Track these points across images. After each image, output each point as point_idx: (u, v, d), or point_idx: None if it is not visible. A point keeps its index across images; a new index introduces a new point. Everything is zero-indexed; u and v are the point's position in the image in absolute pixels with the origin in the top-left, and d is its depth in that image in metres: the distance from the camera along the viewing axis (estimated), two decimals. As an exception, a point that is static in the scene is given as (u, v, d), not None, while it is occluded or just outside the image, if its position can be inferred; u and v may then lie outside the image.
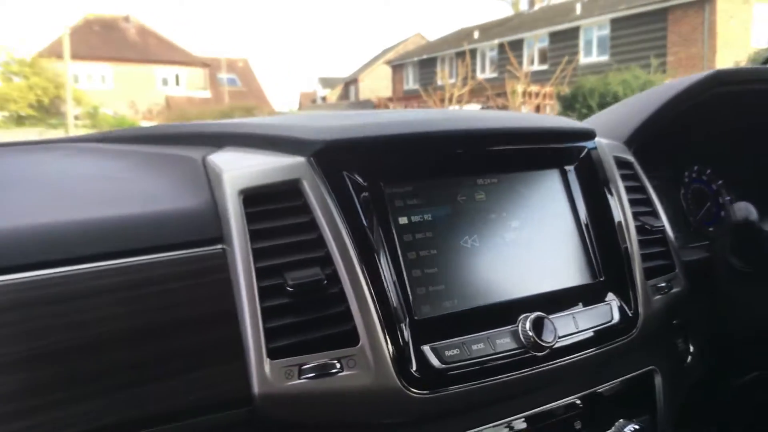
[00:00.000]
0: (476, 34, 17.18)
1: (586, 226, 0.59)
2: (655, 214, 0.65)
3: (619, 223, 0.60)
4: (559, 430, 0.56)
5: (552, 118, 0.71)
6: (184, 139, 0.63)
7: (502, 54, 15.18)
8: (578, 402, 0.57)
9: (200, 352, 0.44)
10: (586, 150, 0.61)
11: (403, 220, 0.51)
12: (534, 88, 8.50)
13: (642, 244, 0.62)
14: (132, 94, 17.82)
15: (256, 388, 0.44)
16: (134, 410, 0.41)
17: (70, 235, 0.43)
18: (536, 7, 18.55)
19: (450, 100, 8.51)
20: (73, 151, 0.72)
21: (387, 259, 0.48)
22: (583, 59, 14.44)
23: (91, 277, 0.42)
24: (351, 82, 22.35)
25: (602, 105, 7.71)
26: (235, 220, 0.46)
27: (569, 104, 7.94)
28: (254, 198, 0.47)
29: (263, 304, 0.45)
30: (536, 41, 15.21)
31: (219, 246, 0.46)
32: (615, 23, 14.29)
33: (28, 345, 0.39)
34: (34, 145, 0.75)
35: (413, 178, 0.53)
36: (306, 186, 0.48)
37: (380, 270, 0.48)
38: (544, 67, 14.60)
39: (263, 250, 0.46)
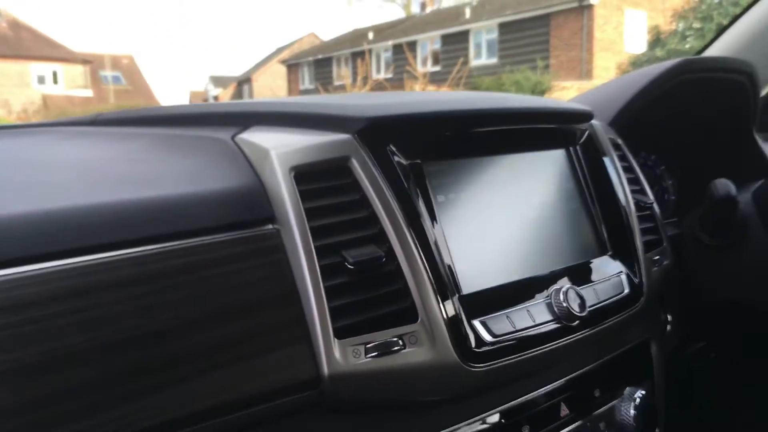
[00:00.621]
0: (371, 35, 17.38)
1: (593, 203, 0.62)
2: (644, 192, 0.70)
3: (621, 200, 0.64)
4: (581, 397, 0.58)
5: (556, 100, 0.73)
6: (199, 120, 0.60)
7: (397, 55, 15.46)
8: (597, 370, 0.60)
9: (266, 335, 0.42)
10: (587, 131, 0.65)
11: (441, 198, 0.51)
12: (432, 89, 8.71)
13: (638, 219, 0.65)
14: (4, 93, 16.39)
15: (325, 369, 0.42)
16: (204, 400, 0.39)
17: (118, 217, 0.39)
18: (428, 10, 19.05)
19: (351, 100, 8.50)
20: (71, 135, 0.65)
21: (434, 236, 0.48)
22: (473, 61, 15.01)
23: (145, 261, 0.39)
24: (244, 81, 21.86)
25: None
26: (290, 198, 0.44)
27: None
28: (306, 176, 0.46)
29: (326, 283, 0.43)
30: (431, 43, 15.62)
31: (271, 226, 0.44)
32: (502, 27, 14.97)
33: (92, 334, 0.36)
34: (19, 129, 0.68)
35: (448, 156, 0.53)
36: (355, 163, 0.47)
37: (431, 246, 0.48)
38: (438, 68, 15.02)
39: (320, 228, 0.44)
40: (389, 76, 13.50)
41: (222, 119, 0.57)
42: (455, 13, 16.66)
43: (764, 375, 1.10)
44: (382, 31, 17.80)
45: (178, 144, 0.56)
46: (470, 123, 0.54)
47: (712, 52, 1.11)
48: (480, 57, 15.51)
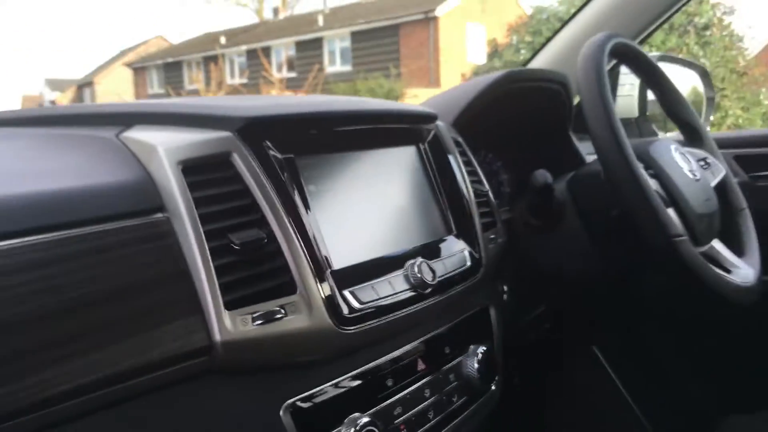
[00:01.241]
0: (223, 40, 16.98)
1: (440, 191, 0.74)
2: (481, 182, 0.82)
3: (462, 188, 0.75)
4: (434, 354, 0.69)
5: (408, 105, 0.84)
6: (81, 120, 0.62)
7: (252, 60, 15.23)
8: (446, 332, 0.71)
9: (162, 310, 0.47)
10: (433, 131, 0.76)
11: (312, 188, 0.59)
12: (288, 94, 8.73)
13: (476, 205, 0.78)
14: None
15: (217, 337, 0.48)
16: (107, 368, 0.43)
17: (17, 207, 0.43)
18: (281, 16, 18.99)
19: (206, 105, 8.29)
20: None
21: (308, 220, 0.56)
22: (329, 68, 15.21)
23: (46, 247, 0.43)
24: (85, 85, 20.37)
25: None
26: (179, 189, 0.50)
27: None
28: (192, 169, 0.51)
29: (216, 263, 0.49)
30: (285, 49, 15.59)
31: (161, 214, 0.50)
32: (355, 36, 15.33)
33: None
34: None
35: (317, 151, 0.61)
36: (236, 157, 0.54)
37: (306, 229, 0.55)
38: (294, 74, 15.04)
39: (208, 214, 0.50)
40: (244, 81, 13.30)
41: (104, 119, 0.60)
42: (308, 20, 16.78)
43: (582, 340, 1.30)
44: (235, 35, 17.46)
45: (64, 142, 0.58)
46: (334, 123, 0.63)
47: (535, 63, 1.29)
48: (335, 64, 15.76)
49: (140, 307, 0.46)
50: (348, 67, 15.16)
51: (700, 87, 1.48)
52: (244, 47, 16.17)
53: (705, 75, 1.49)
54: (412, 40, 14.49)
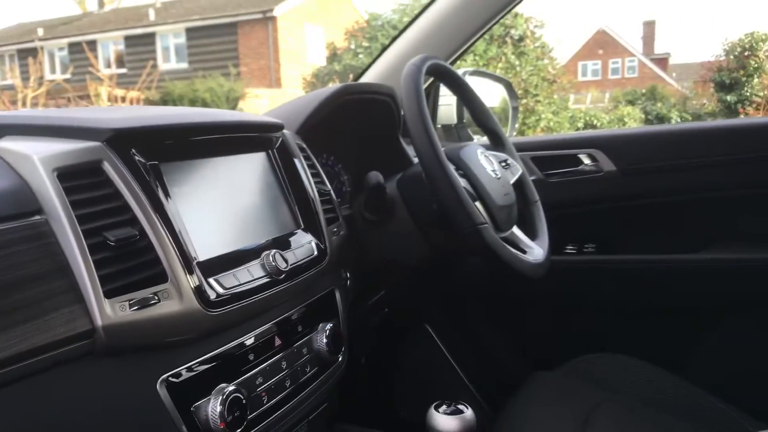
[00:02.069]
0: (40, 31, 15.51)
1: (289, 191, 0.85)
2: (323, 182, 0.94)
3: (308, 188, 0.87)
4: (289, 331, 0.80)
5: (257, 116, 0.93)
6: None
7: (75, 54, 14.11)
8: (298, 312, 0.82)
9: (47, 301, 0.53)
10: (280, 138, 0.86)
11: (176, 189, 0.67)
12: (120, 92, 8.27)
13: (320, 203, 0.90)
14: None
15: (99, 322, 0.55)
16: None
17: None
18: (106, 8, 17.74)
19: (24, 102, 7.61)
20: None
21: (174, 218, 0.64)
22: (163, 65, 14.52)
23: None
24: None
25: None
26: (55, 193, 0.56)
27: (159, 109, 8.08)
28: (67, 175, 0.57)
29: (94, 257, 0.56)
30: (114, 44, 14.62)
31: (39, 216, 0.55)
32: (190, 32, 14.80)
33: None
34: None
35: (179, 158, 0.69)
36: (107, 164, 0.61)
37: (173, 226, 0.63)
38: (124, 70, 14.17)
39: (84, 215, 0.57)
40: (67, 77, 12.28)
41: None
42: (138, 14, 15.88)
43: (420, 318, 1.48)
44: (54, 27, 16.02)
45: None
46: (192, 133, 0.71)
47: (369, 74, 1.45)
48: (169, 61, 15.09)
49: (26, 298, 0.52)
50: (184, 65, 14.61)
51: (507, 98, 1.74)
52: (65, 40, 14.92)
53: (509, 87, 1.75)
54: (252, 39, 14.32)
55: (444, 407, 0.73)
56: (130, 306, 0.58)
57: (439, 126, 1.63)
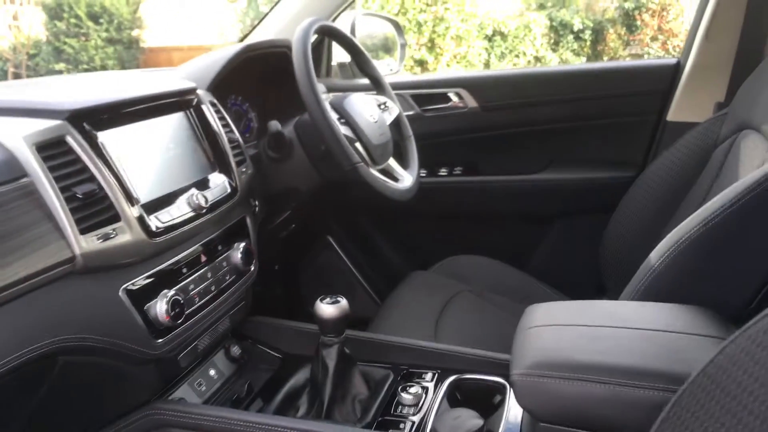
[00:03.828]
0: None
1: (205, 141, 1.08)
2: (232, 131, 1.17)
3: (220, 138, 1.11)
4: (212, 251, 1.06)
5: (175, 81, 1.13)
6: None
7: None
8: (219, 235, 1.08)
9: (39, 240, 0.76)
10: (195, 98, 1.09)
11: (120, 150, 0.90)
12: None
13: (230, 148, 1.14)
14: None
15: (77, 251, 0.79)
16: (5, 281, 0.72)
17: None
18: None
19: None
20: None
21: (121, 173, 0.88)
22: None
23: None
24: None
25: (91, 15, 7.65)
26: (36, 162, 0.78)
27: (56, 14, 7.61)
28: (42, 147, 0.79)
29: (69, 207, 0.79)
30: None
31: (26, 179, 0.78)
32: None
33: None
34: None
35: (121, 124, 0.91)
36: (69, 137, 0.83)
37: (121, 179, 0.87)
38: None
39: (58, 176, 0.79)
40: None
41: None
42: None
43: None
44: None
45: None
46: (127, 105, 0.93)
47: (261, 30, 1.64)
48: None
49: (24, 239, 0.75)
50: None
51: (396, 36, 1.97)
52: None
53: (398, 26, 1.98)
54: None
55: (327, 299, 1.03)
56: (97, 239, 0.82)
57: (335, 64, 1.86)
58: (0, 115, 0.83)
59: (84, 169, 0.83)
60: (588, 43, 8.29)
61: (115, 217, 0.85)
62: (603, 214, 1.50)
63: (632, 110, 1.62)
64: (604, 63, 4.47)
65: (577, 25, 8.46)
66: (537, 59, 8.43)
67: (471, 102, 1.67)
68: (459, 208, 1.80)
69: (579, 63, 7.85)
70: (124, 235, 0.86)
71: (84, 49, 8.00)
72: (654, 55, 7.83)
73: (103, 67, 7.98)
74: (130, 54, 8.29)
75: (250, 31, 1.68)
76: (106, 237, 0.83)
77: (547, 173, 1.70)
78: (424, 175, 1.74)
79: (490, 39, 8.39)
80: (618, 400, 0.75)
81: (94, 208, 0.83)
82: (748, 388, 0.47)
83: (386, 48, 2.03)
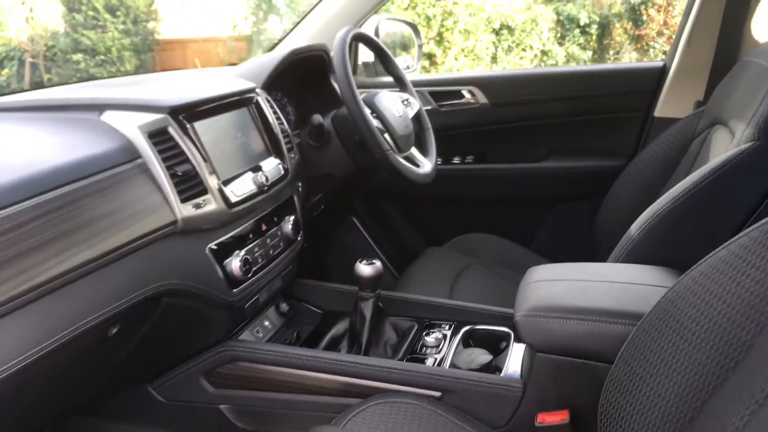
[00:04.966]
0: None
1: (263, 132, 1.31)
2: (284, 123, 1.40)
3: (274, 129, 1.33)
4: (270, 222, 1.29)
5: (236, 82, 1.33)
6: (61, 108, 1.06)
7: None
8: (273, 210, 1.31)
9: (151, 206, 0.99)
10: (255, 96, 1.31)
11: (206, 138, 1.13)
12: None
13: (282, 137, 1.36)
14: None
15: (178, 216, 1.02)
16: (127, 237, 0.95)
17: (64, 168, 0.91)
18: None
19: None
20: None
21: (208, 155, 1.10)
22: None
23: (78, 188, 0.91)
24: None
25: (108, 7, 7.88)
26: (148, 146, 1.01)
27: (73, 6, 7.85)
28: (152, 135, 1.02)
29: (173, 181, 1.02)
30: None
31: (140, 160, 1.01)
32: None
33: (49, 233, 0.90)
34: None
35: (206, 117, 1.14)
36: (170, 128, 1.05)
37: (209, 160, 1.10)
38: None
39: (164, 158, 1.02)
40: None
41: (81, 107, 1.05)
42: None
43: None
44: None
45: (70, 123, 1.03)
46: (210, 102, 1.16)
47: (298, 35, 1.87)
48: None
49: (142, 206, 0.98)
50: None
51: (414, 37, 2.20)
52: None
53: (415, 29, 2.20)
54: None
55: (365, 261, 1.26)
56: (192, 207, 1.05)
57: (360, 63, 2.09)
58: (115, 109, 1.06)
59: (181, 152, 1.06)
60: (594, 37, 8.44)
61: (204, 191, 1.08)
62: (597, 198, 1.72)
63: (624, 107, 1.84)
64: (600, 65, 4.71)
65: (584, 20, 8.60)
66: (543, 53, 8.58)
67: (482, 98, 1.90)
68: (470, 192, 2.03)
69: (577, 65, 8.02)
70: (211, 205, 1.09)
71: (101, 41, 8.23)
72: (659, 49, 8.00)
73: (120, 59, 8.22)
74: (145, 46, 8.51)
75: (286, 35, 1.90)
76: (198, 206, 1.06)
77: (548, 162, 1.92)
78: (439, 163, 1.97)
79: (497, 33, 8.55)
80: (597, 333, 0.98)
81: (190, 183, 1.06)
82: (690, 314, 0.70)
83: (403, 46, 2.26)
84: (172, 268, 1.04)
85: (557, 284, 1.08)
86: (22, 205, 0.79)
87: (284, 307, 1.43)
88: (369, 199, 2.09)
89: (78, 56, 8.18)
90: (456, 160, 1.99)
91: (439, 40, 8.16)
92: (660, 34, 8.16)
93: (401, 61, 2.14)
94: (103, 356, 1.06)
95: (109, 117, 1.03)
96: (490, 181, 1.99)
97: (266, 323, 1.38)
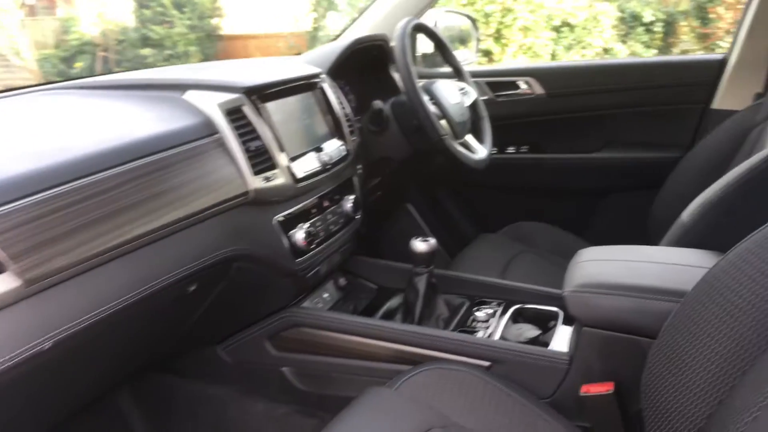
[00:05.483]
0: None
1: (327, 114, 1.39)
2: (345, 107, 1.48)
3: (338, 112, 1.41)
4: (331, 199, 1.37)
5: (308, 68, 1.44)
6: (147, 86, 1.17)
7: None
8: (335, 188, 1.39)
9: (226, 177, 1.08)
10: (320, 81, 1.40)
11: (278, 117, 1.22)
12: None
13: (345, 121, 1.44)
14: None
15: (251, 187, 1.12)
16: (205, 204, 1.05)
17: (153, 138, 1.01)
18: None
19: None
20: (83, 95, 1.15)
21: (277, 134, 1.19)
22: None
23: (161, 159, 1.01)
24: None
25: (175, 3, 8.18)
26: (226, 122, 1.10)
27: (143, 2, 8.19)
28: (228, 112, 1.12)
29: (247, 155, 1.11)
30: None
31: (218, 135, 1.10)
32: None
33: (139, 195, 1.00)
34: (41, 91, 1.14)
35: (276, 98, 1.23)
36: (244, 107, 1.15)
37: (278, 138, 1.19)
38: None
39: (239, 134, 1.11)
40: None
41: (165, 87, 1.16)
42: None
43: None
44: None
45: (157, 101, 1.13)
46: (280, 84, 1.25)
47: (357, 27, 1.94)
48: None
49: (219, 176, 1.07)
50: None
51: (471, 30, 2.25)
52: None
53: (473, 21, 2.25)
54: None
55: (420, 238, 1.33)
56: (262, 180, 1.14)
57: (420, 54, 2.15)
58: (196, 89, 1.16)
59: (254, 130, 1.15)
60: (659, 35, 8.23)
61: (273, 166, 1.17)
62: (651, 189, 1.74)
63: (681, 99, 1.84)
64: (658, 57, 4.62)
65: (648, 17, 8.40)
66: (605, 51, 8.44)
67: (538, 89, 1.93)
68: (524, 182, 2.07)
69: (635, 57, 7.85)
70: (279, 179, 1.17)
71: (168, 36, 8.57)
72: (725, 48, 7.76)
73: (186, 54, 8.54)
74: (210, 41, 8.81)
75: (347, 27, 1.99)
76: (267, 179, 1.15)
77: (603, 153, 1.94)
78: (494, 152, 2.02)
79: (557, 30, 8.44)
80: (641, 309, 1.01)
81: (261, 158, 1.15)
82: (733, 288, 0.73)
83: (461, 40, 2.31)
84: (243, 235, 1.13)
85: (605, 263, 1.12)
86: (117, 170, 0.90)
87: (342, 281, 1.52)
88: (425, 186, 2.15)
89: (146, 51, 8.55)
90: (511, 149, 2.03)
91: (497, 37, 8.12)
92: (728, 32, 7.90)
93: (460, 54, 2.19)
94: (181, 312, 1.16)
95: (191, 96, 1.13)
96: (545, 171, 2.02)
97: (325, 295, 1.47)
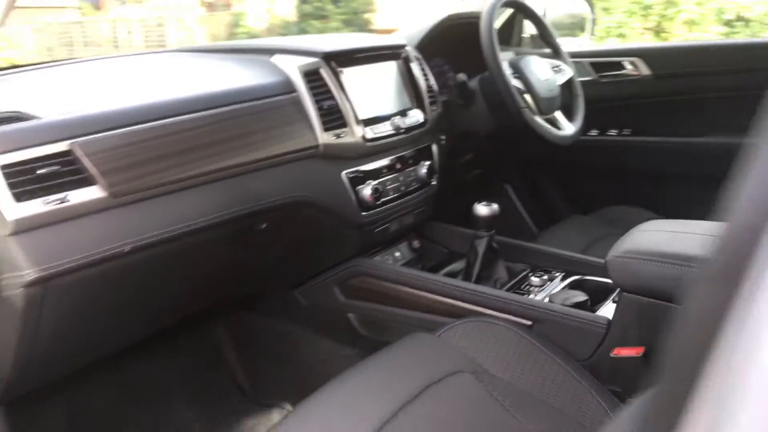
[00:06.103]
0: None
1: (408, 84, 1.49)
2: (429, 79, 1.56)
3: (420, 82, 1.50)
4: (405, 163, 1.47)
5: (392, 38, 1.55)
6: (249, 51, 1.35)
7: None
8: (410, 153, 1.49)
9: (300, 130, 1.23)
10: (404, 53, 1.49)
11: (351, 82, 1.33)
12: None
13: (426, 92, 1.53)
14: None
15: (320, 141, 1.24)
16: (279, 149, 1.19)
17: (237, 91, 1.17)
18: None
19: None
20: (196, 56, 1.37)
21: (351, 96, 1.31)
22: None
23: (243, 108, 1.17)
24: None
25: None
26: (303, 83, 1.24)
27: (304, -1, 8.75)
28: (306, 74, 1.25)
29: (320, 113, 1.24)
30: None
31: (295, 93, 1.24)
32: None
33: (215, 134, 1.15)
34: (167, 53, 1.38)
35: (356, 64, 1.35)
36: (321, 70, 1.28)
37: (349, 101, 1.30)
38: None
39: (313, 94, 1.25)
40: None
41: (256, 51, 1.33)
42: None
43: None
44: None
45: (248, 62, 1.31)
46: (360, 52, 1.37)
47: (466, 4, 2.00)
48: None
49: (293, 128, 1.21)
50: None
51: (589, 11, 2.21)
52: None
53: (589, 1, 2.21)
54: None
55: (484, 203, 1.38)
56: (332, 136, 1.26)
57: (528, 35, 2.17)
58: (282, 53, 1.31)
59: (328, 91, 1.28)
60: None
61: (344, 124, 1.29)
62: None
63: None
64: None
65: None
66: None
67: (644, 70, 1.87)
68: (623, 165, 2.01)
69: (753, 37, 6.96)
70: (348, 137, 1.29)
71: (325, 30, 9.10)
72: None
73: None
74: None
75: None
76: (337, 135, 1.27)
77: (711, 137, 1.84)
78: (595, 135, 1.99)
79: (729, 25, 7.77)
80: (681, 278, 1.00)
81: (332, 117, 1.27)
82: None
83: (581, 27, 2.28)
84: (313, 184, 1.26)
85: (656, 234, 1.11)
86: (203, 113, 1.06)
87: (416, 243, 1.61)
88: (522, 167, 2.17)
89: (305, 44, 9.15)
90: (612, 132, 1.99)
91: (657, 30, 7.65)
92: None
93: (576, 42, 2.17)
94: (254, 250, 1.33)
95: (276, 59, 1.29)
96: (646, 155, 1.95)
97: (397, 254, 1.57)
